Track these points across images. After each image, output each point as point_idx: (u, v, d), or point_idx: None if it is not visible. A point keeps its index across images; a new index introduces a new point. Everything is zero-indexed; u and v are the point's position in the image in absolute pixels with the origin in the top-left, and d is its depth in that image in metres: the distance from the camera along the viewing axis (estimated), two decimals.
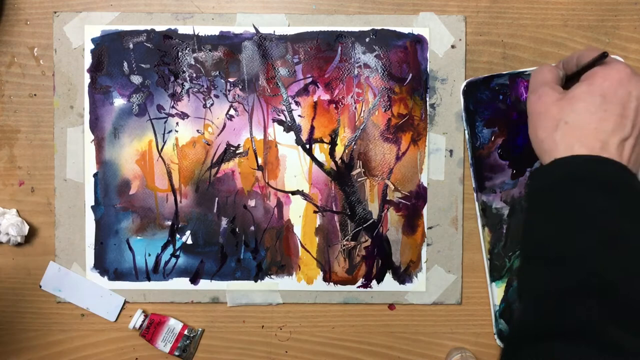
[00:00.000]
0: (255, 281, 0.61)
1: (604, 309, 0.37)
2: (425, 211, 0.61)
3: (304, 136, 0.61)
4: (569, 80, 0.49)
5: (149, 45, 0.60)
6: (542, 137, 0.44)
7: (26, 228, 0.60)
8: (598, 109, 0.42)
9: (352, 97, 0.61)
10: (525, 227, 0.43)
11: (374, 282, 0.62)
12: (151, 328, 0.60)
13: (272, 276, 0.61)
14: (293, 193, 0.61)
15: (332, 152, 0.61)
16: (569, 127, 0.42)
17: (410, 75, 0.61)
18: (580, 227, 0.39)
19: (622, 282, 0.37)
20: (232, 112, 0.61)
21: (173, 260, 0.61)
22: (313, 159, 0.61)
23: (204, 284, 0.61)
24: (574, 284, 0.38)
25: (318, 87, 0.61)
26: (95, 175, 0.61)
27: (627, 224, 0.39)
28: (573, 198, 0.40)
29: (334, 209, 0.61)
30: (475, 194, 0.61)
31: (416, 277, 0.62)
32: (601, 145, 0.41)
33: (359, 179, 0.61)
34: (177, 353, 0.61)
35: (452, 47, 0.61)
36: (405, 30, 0.60)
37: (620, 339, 0.36)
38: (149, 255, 0.61)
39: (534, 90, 0.46)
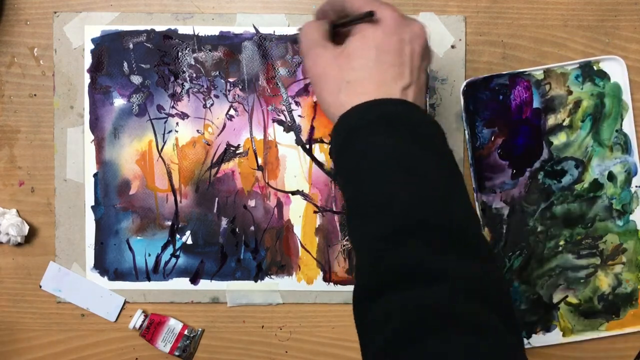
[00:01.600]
0: (255, 281, 0.61)
1: (421, 244, 0.37)
2: None
3: (304, 136, 0.61)
4: (338, 26, 0.46)
5: (149, 45, 0.60)
6: (329, 101, 0.42)
7: (26, 228, 0.60)
8: (375, 62, 0.41)
9: None
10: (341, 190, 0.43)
11: None
12: (151, 328, 0.60)
13: (272, 276, 0.61)
14: (293, 193, 0.61)
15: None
16: (351, 85, 0.41)
17: None
18: (369, 173, 0.40)
19: (428, 213, 0.38)
20: (232, 112, 0.61)
21: (173, 260, 0.61)
22: (313, 159, 0.61)
23: (204, 284, 0.61)
24: (388, 230, 0.38)
25: None
26: (95, 175, 0.61)
27: (412, 155, 0.40)
28: (356, 146, 0.40)
29: (334, 209, 0.61)
30: (475, 194, 0.61)
31: None
32: (384, 96, 0.41)
33: None
34: (177, 353, 0.61)
35: (452, 47, 0.61)
36: None
37: (443, 264, 0.36)
38: (149, 255, 0.61)
39: (307, 53, 0.44)
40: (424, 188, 0.39)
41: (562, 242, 0.62)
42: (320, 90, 0.43)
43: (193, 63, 0.60)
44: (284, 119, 0.61)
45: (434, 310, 0.35)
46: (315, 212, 0.61)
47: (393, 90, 0.41)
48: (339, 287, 0.62)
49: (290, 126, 0.61)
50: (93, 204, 0.61)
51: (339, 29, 0.46)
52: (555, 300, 0.62)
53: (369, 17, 0.42)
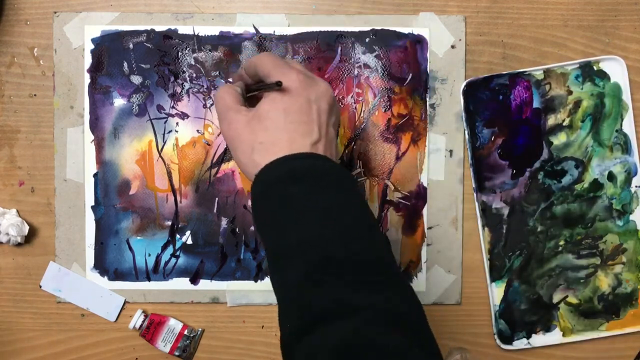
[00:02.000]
0: (255, 281, 0.61)
1: (334, 280, 0.39)
2: (425, 211, 0.61)
3: None
4: (251, 91, 0.49)
5: (149, 45, 0.60)
6: (244, 162, 0.45)
7: (26, 228, 0.60)
8: (284, 122, 0.44)
9: (352, 97, 0.61)
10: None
11: None
12: (151, 328, 0.60)
13: None
14: None
15: None
16: (264, 146, 0.44)
17: (410, 75, 0.61)
18: (282, 221, 0.42)
19: (338, 250, 0.40)
20: None
21: (173, 260, 0.61)
22: None
23: (204, 284, 0.61)
24: (301, 272, 0.40)
25: None
26: (95, 175, 0.61)
27: (321, 200, 0.42)
28: (270, 198, 0.43)
29: None
30: (475, 194, 0.61)
31: (416, 277, 0.62)
32: (295, 152, 0.44)
33: (359, 179, 0.61)
34: (177, 353, 0.61)
35: (452, 47, 0.61)
36: (405, 30, 0.60)
37: (357, 298, 0.38)
38: (149, 255, 0.61)
39: (222, 117, 0.47)
40: (332, 227, 0.41)
41: (562, 242, 0.62)
42: (235, 152, 0.46)
43: (193, 63, 0.60)
44: None
45: (354, 344, 0.37)
46: None
47: (303, 146, 0.44)
48: None
49: None
50: (93, 204, 0.61)
51: (252, 93, 0.48)
52: (555, 300, 0.62)
53: (277, 87, 0.44)
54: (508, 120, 0.61)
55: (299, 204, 0.42)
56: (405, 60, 0.61)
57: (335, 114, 0.47)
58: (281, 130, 0.44)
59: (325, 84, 0.47)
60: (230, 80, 0.51)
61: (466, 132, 0.61)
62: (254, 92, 0.48)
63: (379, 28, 0.60)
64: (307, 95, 0.45)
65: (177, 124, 0.61)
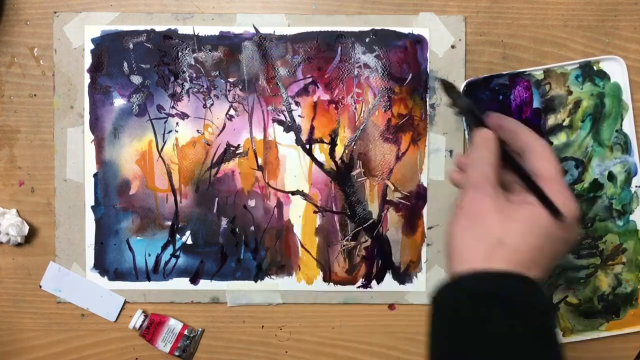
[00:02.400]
0: (255, 281, 0.61)
1: None
2: (425, 211, 0.61)
3: (304, 136, 0.61)
4: (507, 159, 0.44)
5: (149, 45, 0.60)
6: (468, 243, 0.39)
7: (26, 228, 0.60)
8: (535, 245, 0.39)
9: (352, 97, 0.61)
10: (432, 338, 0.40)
11: (374, 282, 0.62)
12: (151, 328, 0.60)
13: (272, 276, 0.61)
14: (293, 193, 0.61)
15: (332, 152, 0.61)
16: (506, 249, 0.38)
17: (410, 75, 0.61)
18: (477, 350, 0.37)
19: None
20: (232, 112, 0.61)
21: (173, 260, 0.61)
22: (313, 159, 0.61)
23: (204, 284, 0.61)
24: None
25: (318, 87, 0.61)
26: (95, 175, 0.61)
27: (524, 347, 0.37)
28: (473, 321, 0.37)
29: (334, 209, 0.61)
30: None
31: (416, 277, 0.62)
32: (521, 272, 0.39)
33: (359, 179, 0.61)
34: (177, 353, 0.61)
35: (452, 47, 0.61)
36: (405, 30, 0.60)
37: None
38: (149, 255, 0.61)
39: (474, 183, 0.40)
40: None
41: None
42: (463, 228, 0.40)
43: (193, 63, 0.60)
44: (284, 119, 0.61)
45: None
46: (315, 212, 0.61)
47: (535, 277, 0.39)
48: (339, 287, 0.62)
49: (290, 126, 0.61)
50: (93, 204, 0.61)
51: (505, 162, 0.42)
52: (555, 300, 0.62)
53: (554, 213, 0.39)
54: None
55: (501, 343, 0.36)
56: (405, 60, 0.61)
57: (568, 250, 0.42)
58: (530, 249, 0.38)
59: (577, 232, 0.42)
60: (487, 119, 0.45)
61: (466, 132, 0.61)
62: (514, 168, 0.41)
63: (379, 28, 0.60)
64: (570, 236, 0.40)
65: (177, 124, 0.61)
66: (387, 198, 0.61)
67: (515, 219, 0.39)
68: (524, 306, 0.37)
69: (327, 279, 0.62)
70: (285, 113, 0.61)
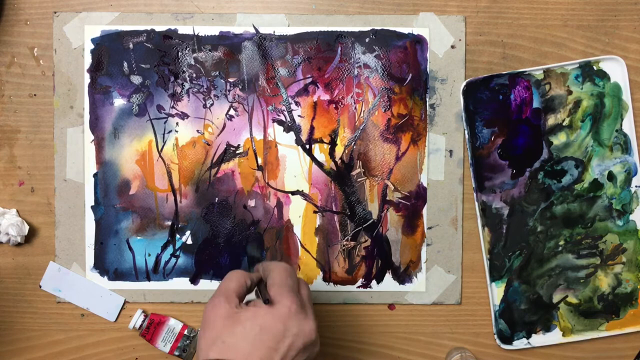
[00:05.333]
0: None
1: None
2: (425, 211, 0.61)
3: (304, 136, 0.61)
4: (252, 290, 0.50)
5: (149, 45, 0.60)
6: (201, 345, 0.46)
7: (26, 228, 0.60)
8: (254, 338, 0.45)
9: (352, 97, 0.61)
10: None
11: (373, 282, 0.62)
12: (151, 328, 0.60)
13: None
14: (293, 193, 0.61)
15: (332, 152, 0.61)
16: (224, 346, 0.45)
17: (410, 75, 0.61)
18: None
19: None
20: (232, 112, 0.61)
21: (173, 260, 0.61)
22: (313, 159, 0.61)
23: (204, 284, 0.61)
24: None
25: (318, 87, 0.61)
26: (95, 175, 0.61)
27: None
28: None
29: (334, 209, 0.61)
30: (475, 194, 0.61)
31: (416, 277, 0.62)
32: None
33: (359, 179, 0.61)
34: (177, 353, 0.61)
35: (452, 47, 0.61)
36: (405, 30, 0.60)
37: None
38: (149, 255, 0.61)
39: (216, 295, 0.48)
40: None
41: (562, 242, 0.62)
42: (202, 332, 0.47)
43: (193, 63, 0.60)
44: (283, 119, 0.61)
45: None
46: (315, 212, 0.61)
47: None
48: (339, 287, 0.62)
49: (290, 126, 0.61)
50: (93, 204, 0.61)
51: (249, 293, 0.50)
52: (555, 300, 0.62)
53: (266, 302, 0.47)
54: (508, 120, 0.61)
55: None
56: (405, 60, 0.61)
57: (308, 355, 0.47)
58: (246, 342, 0.45)
59: (312, 326, 0.47)
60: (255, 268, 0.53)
61: (466, 132, 0.61)
62: (250, 292, 0.50)
63: (379, 28, 0.60)
64: (288, 326, 0.46)
65: (177, 124, 0.61)
66: (387, 198, 0.61)
67: (235, 321, 0.46)
68: None
69: (327, 278, 0.62)
70: (285, 113, 0.61)
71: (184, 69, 0.60)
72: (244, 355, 0.44)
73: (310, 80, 0.61)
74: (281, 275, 0.49)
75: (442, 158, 0.61)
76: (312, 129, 0.61)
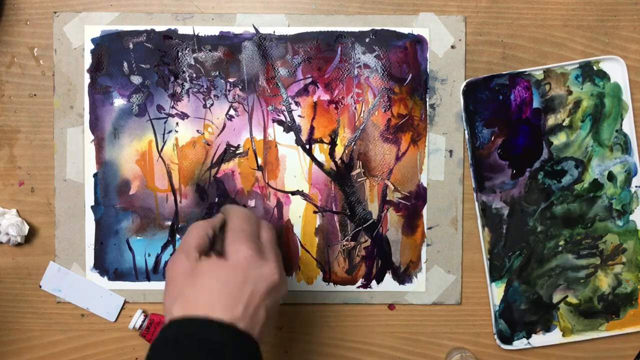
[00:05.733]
0: None
1: None
2: (425, 211, 0.61)
3: (304, 136, 0.61)
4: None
5: (149, 45, 0.60)
6: (165, 304, 0.46)
7: (26, 228, 0.60)
8: (213, 288, 0.45)
9: (352, 97, 0.61)
10: None
11: (373, 282, 0.62)
12: (151, 328, 0.60)
13: None
14: (293, 193, 0.61)
15: (332, 153, 0.61)
16: (185, 299, 0.45)
17: (410, 75, 0.61)
18: None
19: None
20: (232, 112, 0.61)
21: None
22: (313, 159, 0.61)
23: None
24: None
25: (318, 88, 0.61)
26: (95, 175, 0.61)
27: None
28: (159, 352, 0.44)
29: (334, 209, 0.61)
30: (475, 194, 0.61)
31: (416, 277, 0.62)
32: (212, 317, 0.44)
33: (359, 179, 0.61)
34: None
35: (452, 47, 0.61)
36: (405, 30, 0.60)
37: None
38: (149, 255, 0.61)
39: (176, 252, 0.48)
40: None
41: (562, 242, 0.62)
42: (165, 290, 0.47)
43: (193, 63, 0.60)
44: (283, 119, 0.61)
45: None
46: (315, 212, 0.61)
47: (219, 318, 0.44)
48: (339, 287, 0.62)
49: (290, 126, 0.61)
50: (93, 204, 0.61)
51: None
52: (555, 300, 0.62)
53: (217, 254, 0.47)
54: (508, 120, 0.61)
55: None
56: (405, 61, 0.61)
57: (273, 298, 0.47)
58: (207, 293, 0.45)
59: (273, 268, 0.47)
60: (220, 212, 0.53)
61: (466, 132, 0.61)
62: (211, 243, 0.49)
63: (379, 28, 0.60)
64: (247, 273, 0.46)
65: (177, 124, 0.61)
66: (387, 198, 0.61)
67: (194, 274, 0.46)
68: (186, 340, 0.43)
69: (327, 279, 0.62)
70: (285, 113, 0.61)
71: (184, 69, 0.60)
72: (207, 308, 0.44)
73: (310, 80, 0.61)
74: (238, 221, 0.49)
75: (442, 158, 0.61)
76: (312, 129, 0.61)
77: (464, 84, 0.60)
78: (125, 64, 0.60)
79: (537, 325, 0.62)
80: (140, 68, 0.60)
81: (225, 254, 0.47)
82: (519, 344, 0.62)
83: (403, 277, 0.62)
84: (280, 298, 0.48)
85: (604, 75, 0.61)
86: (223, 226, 0.50)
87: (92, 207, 0.61)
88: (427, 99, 0.61)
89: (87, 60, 0.60)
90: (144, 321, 0.60)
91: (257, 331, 0.45)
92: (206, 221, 0.50)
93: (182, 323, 0.44)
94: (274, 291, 0.47)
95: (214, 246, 0.49)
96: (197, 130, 0.61)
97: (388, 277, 0.62)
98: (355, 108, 0.61)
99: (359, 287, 0.62)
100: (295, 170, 0.61)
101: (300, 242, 0.61)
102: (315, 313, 0.62)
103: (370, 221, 0.61)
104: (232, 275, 0.45)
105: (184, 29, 0.60)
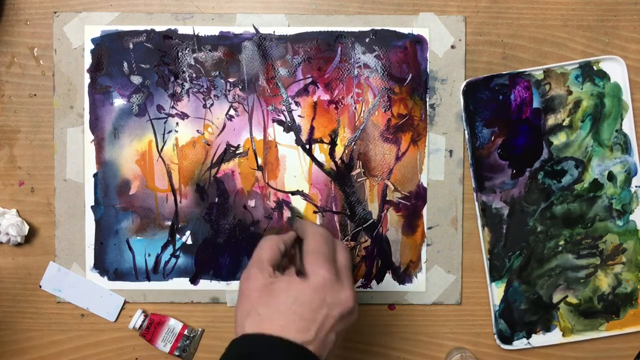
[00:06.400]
0: None
1: None
2: (425, 211, 0.61)
3: (304, 136, 0.61)
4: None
5: (149, 45, 0.60)
6: (238, 317, 0.46)
7: (26, 228, 0.60)
8: (288, 309, 0.44)
9: (352, 97, 0.61)
10: None
11: (373, 282, 0.62)
12: (151, 328, 0.60)
13: None
14: (293, 193, 0.61)
15: (332, 152, 0.61)
16: (259, 318, 0.44)
17: (410, 75, 0.61)
18: None
19: None
20: (232, 112, 0.61)
21: (173, 260, 0.61)
22: (313, 159, 0.61)
23: (204, 284, 0.61)
24: None
25: (318, 88, 0.61)
26: (95, 175, 0.61)
27: None
28: None
29: (334, 209, 0.61)
30: (475, 194, 0.61)
31: (416, 277, 0.62)
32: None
33: (359, 179, 0.61)
34: (177, 353, 0.61)
35: (452, 47, 0.61)
36: (405, 30, 0.60)
37: None
38: (149, 255, 0.61)
39: (249, 266, 0.47)
40: None
41: (562, 242, 0.62)
42: (237, 305, 0.47)
43: (193, 63, 0.60)
44: (283, 119, 0.61)
45: None
46: (315, 212, 0.61)
47: (293, 340, 0.43)
48: None
49: (290, 126, 0.61)
50: (93, 204, 0.61)
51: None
52: (555, 300, 0.62)
53: (299, 274, 0.46)
54: (508, 120, 0.61)
55: None
56: (405, 61, 0.61)
57: (344, 324, 0.46)
58: (281, 314, 0.44)
59: (349, 295, 0.46)
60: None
61: (466, 132, 0.61)
62: (287, 255, 0.49)
63: (379, 28, 0.60)
64: (324, 296, 0.45)
65: (177, 124, 0.61)
66: (387, 198, 0.61)
67: (270, 291, 0.45)
68: (257, 357, 0.43)
69: None
70: (285, 113, 0.61)
71: (184, 69, 0.60)
72: (280, 327, 0.43)
73: (310, 80, 0.61)
74: (316, 241, 0.48)
75: (442, 158, 0.61)
76: (312, 129, 0.61)
77: (464, 84, 0.60)
78: (125, 64, 0.60)
79: (537, 325, 0.62)
80: (140, 68, 0.60)
81: (303, 275, 0.46)
82: (519, 344, 0.62)
83: (403, 277, 0.62)
84: (350, 324, 0.47)
85: (604, 75, 0.61)
86: (294, 243, 0.50)
87: (92, 207, 0.61)
88: (427, 99, 0.61)
89: (87, 60, 0.60)
90: (144, 321, 0.60)
91: (325, 356, 0.45)
92: (278, 236, 0.49)
93: (254, 339, 0.43)
94: (347, 317, 0.46)
95: (284, 263, 0.49)
96: (197, 130, 0.61)
97: (388, 277, 0.62)
98: (355, 108, 0.61)
99: (359, 287, 0.62)
100: (295, 170, 0.61)
101: None
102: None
103: (370, 221, 0.61)
104: (310, 298, 0.45)
105: (184, 29, 0.60)
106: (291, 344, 0.43)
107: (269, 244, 0.48)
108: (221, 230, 0.61)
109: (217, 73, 0.60)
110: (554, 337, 0.62)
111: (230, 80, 0.60)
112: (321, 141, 0.61)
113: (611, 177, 0.62)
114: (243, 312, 0.45)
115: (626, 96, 0.61)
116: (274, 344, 0.43)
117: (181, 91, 0.61)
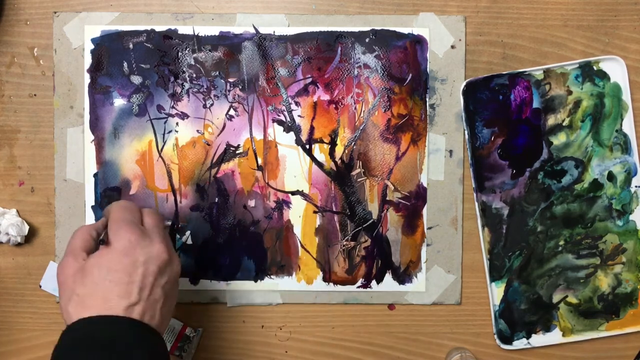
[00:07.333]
0: (255, 281, 0.61)
1: None
2: (425, 211, 0.61)
3: (304, 136, 0.61)
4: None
5: (149, 45, 0.60)
6: (62, 308, 0.46)
7: (26, 228, 0.60)
8: (103, 280, 0.45)
9: (352, 97, 0.61)
10: None
11: (373, 282, 0.62)
12: None
13: (272, 276, 0.61)
14: (293, 193, 0.61)
15: (332, 152, 0.61)
16: (79, 299, 0.45)
17: (410, 75, 0.61)
18: None
19: None
20: (232, 112, 0.61)
21: None
22: (313, 159, 0.61)
23: (204, 284, 0.61)
24: None
25: (318, 88, 0.61)
26: (95, 175, 0.61)
27: None
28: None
29: (334, 209, 0.61)
30: (475, 194, 0.61)
31: (416, 277, 0.62)
32: (108, 312, 0.44)
33: (359, 179, 0.61)
34: (177, 353, 0.61)
35: (452, 47, 0.61)
36: (405, 30, 0.60)
37: None
38: None
39: (63, 257, 0.48)
40: None
41: (562, 242, 0.62)
42: (59, 296, 0.47)
43: (193, 63, 0.60)
44: (283, 119, 0.61)
45: None
46: (315, 212, 0.61)
47: (117, 307, 0.45)
48: (339, 287, 0.62)
49: (290, 126, 0.61)
50: (93, 204, 0.61)
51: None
52: (555, 300, 0.62)
53: (101, 243, 0.48)
54: (508, 120, 0.61)
55: None
56: (405, 61, 0.61)
57: (167, 275, 0.48)
58: (98, 287, 0.45)
59: (161, 248, 0.47)
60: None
61: (466, 132, 0.61)
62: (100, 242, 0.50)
63: (378, 28, 0.60)
64: (134, 256, 0.46)
65: (177, 124, 0.61)
66: (387, 198, 0.61)
67: (83, 272, 0.46)
68: (84, 342, 0.43)
69: (326, 279, 0.62)
70: (285, 113, 0.61)
71: (184, 69, 0.60)
72: (102, 300, 0.44)
73: (310, 80, 0.61)
74: (117, 212, 0.49)
75: (442, 158, 0.61)
76: (312, 129, 0.61)
77: (464, 84, 0.60)
78: (125, 64, 0.60)
79: (537, 325, 0.62)
80: (140, 68, 0.60)
81: (109, 244, 0.47)
82: (519, 344, 0.62)
83: (403, 277, 0.62)
84: (174, 277, 0.49)
85: (604, 75, 0.61)
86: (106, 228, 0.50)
87: (92, 207, 0.61)
88: (427, 99, 0.61)
89: (87, 60, 0.60)
90: None
91: (158, 313, 0.46)
92: (89, 225, 0.50)
93: (78, 325, 0.44)
94: (167, 269, 0.48)
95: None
96: (197, 130, 0.61)
97: (388, 277, 0.62)
98: (355, 108, 0.61)
99: (358, 287, 0.62)
100: (295, 170, 0.61)
101: (300, 242, 0.61)
102: (315, 313, 0.62)
103: (370, 221, 0.61)
104: (120, 261, 0.45)
105: (184, 29, 0.60)
106: (112, 318, 0.44)
107: (81, 232, 0.49)
108: (221, 230, 0.61)
109: (217, 73, 0.60)
110: (554, 337, 0.62)
111: (230, 80, 0.60)
112: (321, 141, 0.61)
113: (611, 177, 0.62)
114: (64, 299, 0.46)
115: (626, 96, 0.61)
116: (95, 323, 0.44)
117: (181, 91, 0.61)
